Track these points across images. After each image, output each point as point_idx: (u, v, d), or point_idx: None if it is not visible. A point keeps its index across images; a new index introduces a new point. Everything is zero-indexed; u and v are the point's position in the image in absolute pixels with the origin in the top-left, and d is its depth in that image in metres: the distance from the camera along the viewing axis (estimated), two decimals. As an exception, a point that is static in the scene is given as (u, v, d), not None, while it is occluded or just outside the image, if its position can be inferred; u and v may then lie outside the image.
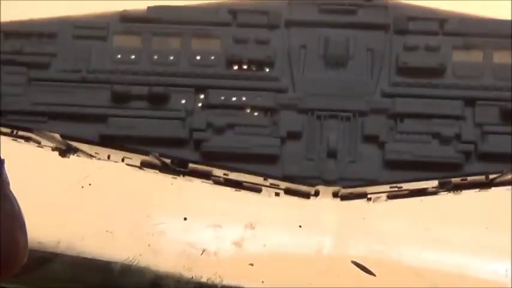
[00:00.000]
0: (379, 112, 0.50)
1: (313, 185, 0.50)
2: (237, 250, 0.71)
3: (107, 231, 0.70)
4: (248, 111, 0.51)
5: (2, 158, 0.52)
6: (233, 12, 0.51)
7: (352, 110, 0.50)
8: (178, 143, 0.50)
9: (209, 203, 0.71)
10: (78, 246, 0.68)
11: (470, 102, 0.50)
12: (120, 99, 0.51)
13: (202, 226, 0.71)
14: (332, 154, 0.50)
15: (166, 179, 0.72)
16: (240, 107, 0.51)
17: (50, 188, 0.68)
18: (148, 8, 0.51)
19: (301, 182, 0.51)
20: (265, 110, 0.51)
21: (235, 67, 0.51)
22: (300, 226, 0.73)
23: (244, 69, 0.51)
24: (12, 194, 0.52)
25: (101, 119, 0.51)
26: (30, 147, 0.56)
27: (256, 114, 0.51)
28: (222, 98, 0.51)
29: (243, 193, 0.62)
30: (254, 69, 0.51)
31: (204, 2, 0.52)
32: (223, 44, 0.51)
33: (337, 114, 0.50)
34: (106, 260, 0.67)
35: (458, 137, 0.50)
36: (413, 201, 0.56)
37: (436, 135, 0.50)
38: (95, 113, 0.51)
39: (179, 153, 0.51)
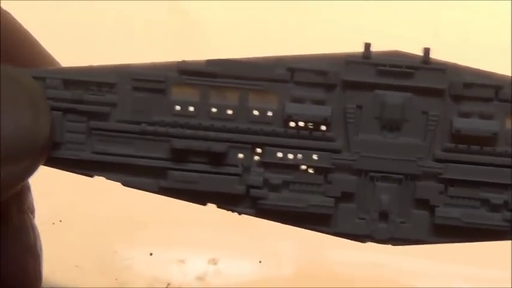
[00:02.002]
0: (430, 176, 0.50)
1: (363, 242, 0.51)
2: (200, 285, 0.73)
3: (76, 265, 0.72)
4: (303, 169, 0.51)
5: (29, 184, 0.53)
6: (291, 69, 0.50)
7: (405, 173, 0.51)
8: (235, 198, 0.51)
9: (174, 238, 0.73)
10: (49, 280, 0.70)
11: None
12: (179, 153, 0.50)
13: (167, 261, 0.74)
14: (384, 214, 0.51)
15: (133, 215, 0.75)
16: (296, 165, 0.51)
17: None
18: (207, 61, 0.51)
19: (353, 239, 0.51)
20: (320, 169, 0.51)
21: (292, 124, 0.51)
22: (260, 261, 0.75)
23: (300, 127, 0.51)
24: (33, 223, 0.52)
25: (160, 171, 0.51)
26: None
27: (311, 172, 0.51)
28: (279, 155, 0.51)
29: (207, 227, 0.65)
30: (310, 128, 0.51)
31: (262, 56, 0.51)
32: (281, 101, 0.50)
33: (389, 176, 0.51)
34: (75, 293, 0.69)
35: (506, 204, 0.50)
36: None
37: (485, 202, 0.50)
38: (154, 166, 0.50)
39: (235, 207, 0.51)
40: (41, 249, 0.52)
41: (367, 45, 0.50)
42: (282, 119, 0.50)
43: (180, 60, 0.51)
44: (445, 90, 0.50)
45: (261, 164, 0.51)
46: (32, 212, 0.53)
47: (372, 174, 0.51)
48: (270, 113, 0.51)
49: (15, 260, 0.49)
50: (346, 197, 0.51)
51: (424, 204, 0.51)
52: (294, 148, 0.50)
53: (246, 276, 0.75)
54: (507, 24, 0.86)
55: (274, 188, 0.51)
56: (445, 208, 0.50)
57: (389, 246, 0.51)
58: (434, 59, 0.50)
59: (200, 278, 0.74)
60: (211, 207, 0.51)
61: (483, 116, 0.50)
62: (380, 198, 0.51)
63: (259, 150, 0.51)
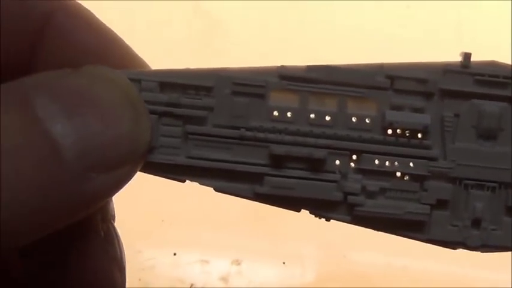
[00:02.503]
0: None
1: (455, 249, 0.52)
2: (223, 285, 0.73)
3: None
4: (399, 176, 0.51)
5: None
6: (391, 77, 0.51)
7: (498, 181, 0.51)
8: (332, 205, 0.51)
9: (198, 238, 0.73)
10: None
11: None
12: (277, 159, 0.50)
13: (190, 261, 0.74)
14: (476, 222, 0.51)
15: (157, 216, 0.75)
16: (392, 172, 0.51)
17: None
18: (307, 66, 0.50)
19: (444, 246, 0.52)
20: (416, 177, 0.51)
21: (390, 132, 0.51)
22: (284, 263, 0.75)
23: (398, 134, 0.51)
24: (118, 233, 0.51)
25: (257, 177, 0.50)
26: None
27: (406, 180, 0.51)
28: (376, 162, 0.51)
29: (230, 229, 0.65)
30: (408, 135, 0.51)
31: (361, 63, 0.51)
32: (380, 108, 0.51)
33: (484, 184, 0.51)
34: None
35: None
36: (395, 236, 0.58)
37: None
38: (251, 171, 0.50)
39: (331, 214, 0.51)
40: (125, 261, 0.52)
41: (467, 55, 0.51)
42: (381, 126, 0.51)
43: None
44: None
45: (358, 170, 0.51)
46: (113, 220, 0.52)
47: (466, 182, 0.51)
48: (368, 120, 0.51)
49: (103, 272, 0.48)
50: (441, 204, 0.51)
51: None
52: (391, 155, 0.51)
53: (269, 278, 0.75)
54: (507, 24, 0.85)
55: (371, 195, 0.51)
56: None
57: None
58: None
59: (223, 279, 0.74)
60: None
61: None
62: (474, 206, 0.51)
63: (354, 157, 0.51)
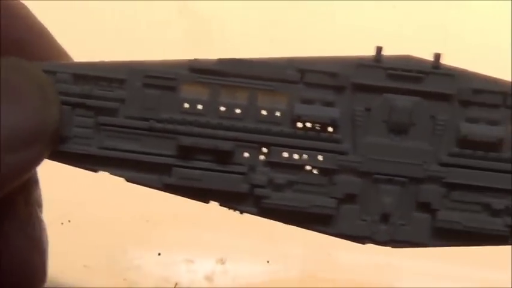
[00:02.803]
0: (434, 180, 0.51)
1: (363, 244, 0.52)
2: (208, 285, 0.74)
3: (85, 265, 0.72)
4: (308, 170, 0.51)
5: (37, 178, 0.53)
6: (301, 71, 0.51)
7: (409, 176, 0.51)
8: (239, 197, 0.51)
9: (182, 238, 0.74)
10: (57, 280, 0.70)
11: None
12: (185, 150, 0.51)
13: (175, 261, 0.74)
14: (385, 217, 0.51)
15: (142, 216, 0.75)
16: (301, 165, 0.51)
17: None
18: (218, 60, 0.51)
19: (353, 240, 0.52)
20: (325, 170, 0.51)
21: (299, 125, 0.51)
22: (268, 261, 0.76)
23: (308, 128, 0.51)
24: (40, 217, 0.52)
25: (166, 168, 0.51)
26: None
27: (315, 173, 0.51)
28: (285, 155, 0.51)
29: (215, 228, 0.65)
30: (318, 129, 0.51)
31: (273, 57, 0.51)
32: (290, 102, 0.51)
33: (393, 179, 0.51)
34: (83, 293, 0.70)
35: (507, 210, 0.51)
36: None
37: (486, 207, 0.51)
38: (159, 162, 0.51)
39: (238, 206, 0.51)
40: (47, 243, 0.52)
41: (379, 49, 0.51)
42: (290, 119, 0.51)
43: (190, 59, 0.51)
44: (454, 95, 0.50)
45: (266, 163, 0.51)
46: (40, 206, 0.54)
47: (376, 176, 0.51)
48: (278, 113, 0.51)
49: (20, 252, 0.50)
50: (349, 198, 0.51)
51: (425, 207, 0.51)
52: (301, 149, 0.51)
53: (253, 276, 0.75)
54: (507, 24, 0.86)
55: (278, 187, 0.51)
56: (446, 212, 0.51)
57: (397, 249, 0.51)
58: (444, 65, 0.51)
59: (208, 278, 0.74)
60: (219, 208, 0.51)
61: (490, 122, 0.50)
62: (383, 201, 0.51)
63: (265, 150, 0.51)
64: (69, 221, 0.72)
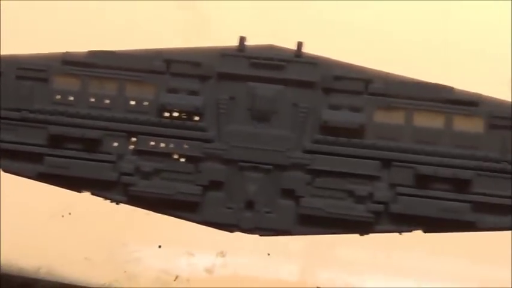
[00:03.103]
0: (298, 167, 0.52)
1: (231, 231, 0.52)
2: (208, 277, 0.74)
3: (85, 258, 0.72)
4: (175, 158, 0.53)
5: None
6: (168, 61, 0.52)
7: (273, 164, 0.52)
8: (108, 185, 0.53)
9: (183, 231, 0.73)
10: (58, 272, 0.71)
11: (386, 163, 0.51)
12: (56, 140, 0.53)
13: (176, 254, 0.74)
14: (250, 204, 0.52)
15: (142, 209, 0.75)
16: (168, 153, 0.53)
17: (32, 216, 0.71)
18: (89, 52, 0.53)
19: (220, 228, 0.52)
20: (191, 158, 0.52)
21: (166, 114, 0.53)
22: (269, 254, 0.76)
23: (174, 117, 0.53)
24: None
25: (38, 157, 0.53)
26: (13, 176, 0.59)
27: (182, 161, 0.53)
28: (152, 144, 0.52)
29: None
30: (184, 118, 0.52)
31: (143, 49, 0.53)
32: (156, 91, 0.53)
33: (258, 166, 0.52)
34: (84, 285, 0.71)
35: (371, 196, 0.51)
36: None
37: (350, 194, 0.51)
38: (32, 152, 0.53)
39: (108, 194, 0.53)
40: None
41: (242, 39, 0.52)
42: (157, 109, 0.52)
43: None
44: (316, 83, 0.51)
45: (134, 152, 0.53)
46: None
47: (241, 164, 0.52)
48: (146, 103, 0.52)
49: None
50: (215, 186, 0.52)
51: (290, 194, 0.52)
52: (168, 137, 0.52)
53: (253, 269, 0.75)
54: (507, 24, 0.85)
55: (146, 175, 0.52)
56: (310, 199, 0.51)
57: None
58: (306, 53, 0.52)
59: (208, 270, 0.74)
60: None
61: (352, 109, 0.51)
62: (247, 188, 0.52)
63: (134, 139, 0.53)
64: (70, 214, 0.72)
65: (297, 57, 0.52)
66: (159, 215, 0.75)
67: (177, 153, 0.52)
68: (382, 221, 0.51)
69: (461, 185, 0.50)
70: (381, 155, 0.51)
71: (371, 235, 0.53)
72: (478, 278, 0.72)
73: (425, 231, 0.51)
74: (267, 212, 0.52)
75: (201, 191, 0.52)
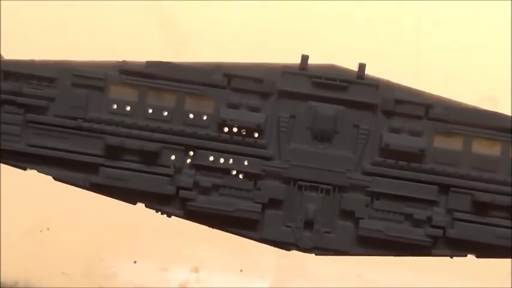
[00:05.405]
0: (358, 189, 0.52)
1: (288, 250, 0.52)
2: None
3: (63, 272, 0.73)
4: (234, 174, 0.52)
5: None
6: (228, 76, 0.52)
7: (333, 184, 0.52)
8: (165, 198, 0.52)
9: (157, 247, 0.75)
10: (36, 287, 0.71)
11: (444, 188, 0.52)
12: (112, 150, 0.51)
13: (150, 269, 0.75)
14: (309, 224, 0.52)
15: (119, 225, 0.77)
16: (227, 169, 0.52)
17: (10, 231, 0.71)
18: (147, 62, 0.52)
19: (278, 246, 0.52)
20: (250, 175, 0.52)
21: (226, 130, 0.52)
22: (241, 270, 0.77)
23: (234, 133, 0.52)
24: None
25: (93, 167, 0.51)
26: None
27: (241, 178, 0.52)
28: (211, 159, 0.52)
29: (189, 237, 0.65)
30: (244, 134, 0.52)
31: (202, 62, 0.52)
32: (216, 106, 0.52)
33: (317, 186, 0.52)
34: (61, 299, 0.71)
35: (429, 220, 0.51)
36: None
37: (408, 217, 0.52)
38: (87, 161, 0.51)
39: (165, 208, 0.52)
40: None
41: (304, 58, 0.52)
42: (217, 123, 0.52)
43: None
44: (377, 105, 0.52)
45: (192, 166, 0.52)
46: None
47: (300, 183, 0.52)
48: (205, 117, 0.52)
49: None
50: (274, 204, 0.52)
51: (349, 215, 0.52)
52: (226, 153, 0.52)
53: (226, 285, 0.76)
54: (507, 24, 0.86)
55: (204, 190, 0.51)
56: (369, 220, 0.51)
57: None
58: (368, 75, 0.52)
59: (182, 285, 0.76)
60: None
61: (412, 133, 0.52)
62: (306, 207, 0.51)
63: (191, 153, 0.52)
64: (48, 229, 0.73)
65: (359, 78, 0.52)
66: (135, 230, 0.76)
67: (236, 170, 0.52)
68: (438, 245, 0.52)
69: None
70: (439, 180, 0.51)
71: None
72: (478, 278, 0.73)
73: (478, 257, 0.52)
74: (326, 232, 0.52)
75: (260, 208, 0.51)
